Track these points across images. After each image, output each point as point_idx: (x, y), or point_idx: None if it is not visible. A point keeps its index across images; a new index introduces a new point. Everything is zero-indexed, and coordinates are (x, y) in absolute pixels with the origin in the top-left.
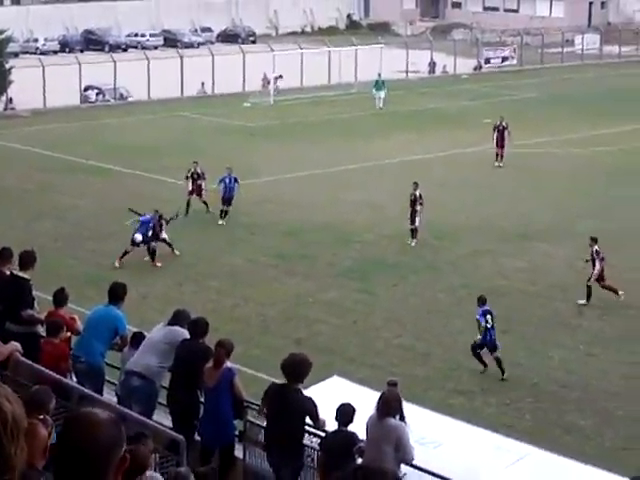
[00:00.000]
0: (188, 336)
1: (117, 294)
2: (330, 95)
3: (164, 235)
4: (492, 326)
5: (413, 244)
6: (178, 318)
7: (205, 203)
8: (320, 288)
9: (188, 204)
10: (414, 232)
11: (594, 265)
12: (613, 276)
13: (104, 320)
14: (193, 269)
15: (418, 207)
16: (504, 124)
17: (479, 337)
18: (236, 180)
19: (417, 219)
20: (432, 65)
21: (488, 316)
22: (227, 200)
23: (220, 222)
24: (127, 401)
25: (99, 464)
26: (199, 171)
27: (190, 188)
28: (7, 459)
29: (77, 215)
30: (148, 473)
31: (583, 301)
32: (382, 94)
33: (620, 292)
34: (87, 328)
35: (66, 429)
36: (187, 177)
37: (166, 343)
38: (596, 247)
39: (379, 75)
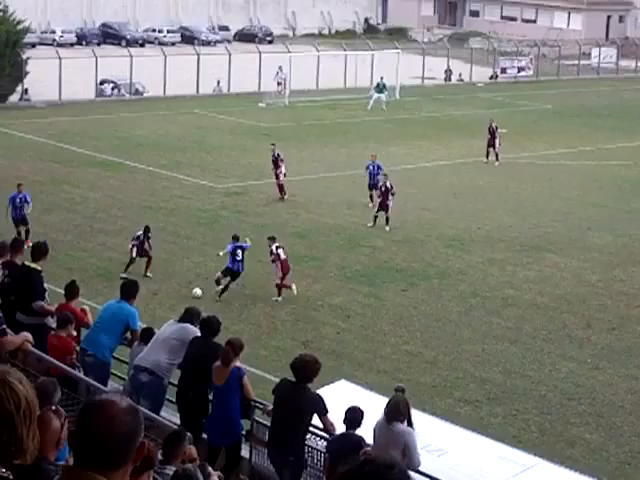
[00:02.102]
0: (199, 334)
1: (129, 291)
2: (345, 99)
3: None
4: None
5: (388, 229)
6: (189, 315)
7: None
8: (329, 291)
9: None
10: (387, 220)
11: None
12: (623, 290)
13: (115, 315)
14: (202, 268)
15: (390, 197)
16: (494, 125)
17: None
18: (379, 167)
19: (390, 207)
20: (448, 72)
21: (239, 250)
22: (371, 186)
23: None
24: (135, 396)
25: (118, 451)
26: (277, 153)
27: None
28: (20, 442)
29: (89, 208)
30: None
31: None
32: (383, 97)
33: None
34: (97, 322)
35: (85, 416)
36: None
37: (176, 339)
38: None
39: (381, 78)
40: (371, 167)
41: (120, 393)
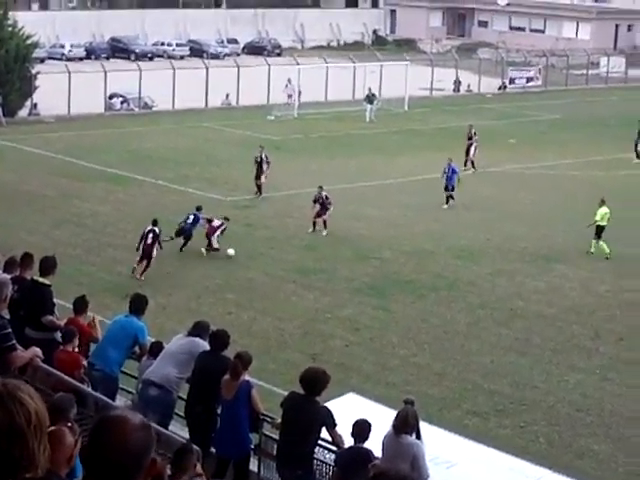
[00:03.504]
0: (208, 348)
1: (138, 306)
2: (354, 110)
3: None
4: None
5: (325, 233)
6: (198, 329)
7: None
8: (337, 303)
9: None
10: (325, 223)
11: None
12: (632, 301)
13: (124, 329)
14: (212, 281)
15: (329, 206)
16: (472, 132)
17: None
18: (454, 171)
19: (326, 214)
20: (457, 83)
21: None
22: (446, 188)
23: (444, 206)
24: (144, 410)
25: (130, 468)
26: (263, 155)
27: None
28: (31, 456)
29: (98, 222)
30: None
31: None
32: (373, 107)
33: None
34: (106, 337)
35: (98, 432)
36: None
37: (185, 354)
38: None
39: (369, 89)
40: (447, 169)
41: (130, 408)
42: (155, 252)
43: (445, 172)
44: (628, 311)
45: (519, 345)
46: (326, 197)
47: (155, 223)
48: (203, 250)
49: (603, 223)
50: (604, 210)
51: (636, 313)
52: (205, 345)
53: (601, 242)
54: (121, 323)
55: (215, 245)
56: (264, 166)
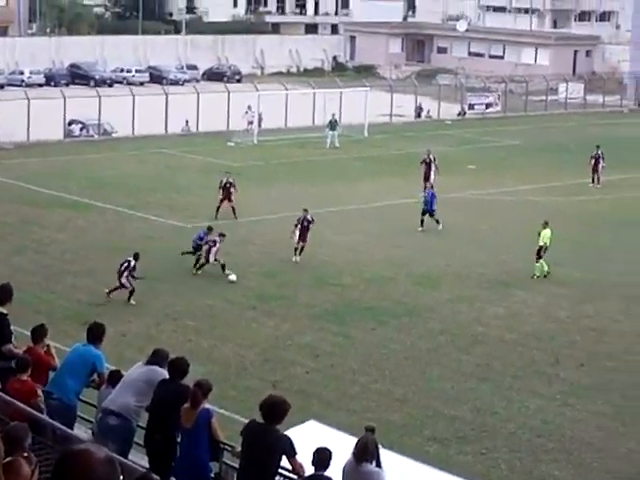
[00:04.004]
0: (167, 376)
1: (96, 334)
2: (314, 137)
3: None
4: None
5: (298, 260)
6: (157, 357)
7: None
8: (298, 330)
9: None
10: (302, 249)
11: None
12: (591, 326)
13: (82, 358)
14: (172, 308)
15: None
16: (431, 157)
17: None
18: (434, 195)
19: (307, 239)
20: (418, 109)
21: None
22: (424, 212)
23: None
24: (103, 440)
25: None
26: (231, 180)
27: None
28: None
29: (57, 250)
30: None
31: None
32: (335, 133)
33: None
34: (64, 365)
35: (62, 466)
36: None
37: (145, 382)
38: None
39: (333, 115)
40: (427, 194)
41: (91, 438)
42: (125, 280)
43: (425, 197)
44: (588, 337)
45: (480, 371)
46: (311, 219)
47: (135, 257)
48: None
49: (542, 243)
50: (547, 232)
51: (596, 339)
52: (164, 373)
53: (541, 261)
54: (79, 352)
55: (211, 261)
56: (232, 190)
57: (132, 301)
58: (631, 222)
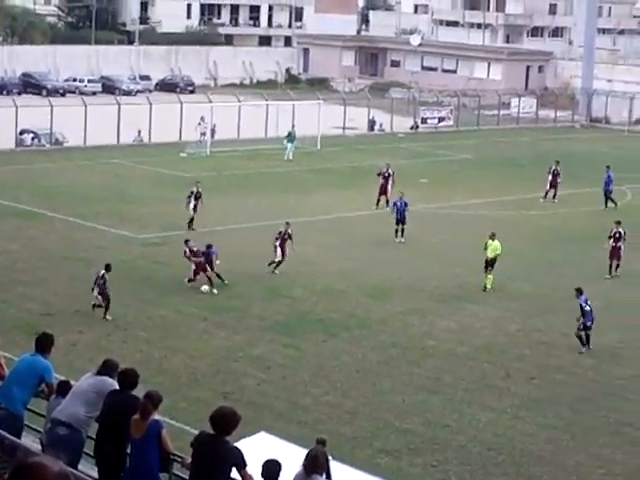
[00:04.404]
0: (117, 387)
1: (44, 344)
2: (267, 148)
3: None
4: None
5: (277, 272)
6: (107, 368)
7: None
8: (249, 342)
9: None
10: (278, 264)
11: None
12: (542, 340)
13: (30, 368)
14: (123, 319)
15: (289, 242)
16: (390, 171)
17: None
18: (406, 204)
19: (287, 252)
20: (372, 122)
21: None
22: (398, 221)
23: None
24: (52, 450)
25: None
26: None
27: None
28: None
29: (8, 259)
30: None
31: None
32: (292, 146)
33: None
34: (11, 375)
35: (15, 478)
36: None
37: (95, 392)
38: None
39: (292, 127)
40: (399, 204)
41: (40, 451)
42: (96, 294)
43: (396, 206)
44: (538, 350)
45: (431, 384)
46: (289, 234)
47: (107, 268)
48: (206, 287)
49: (492, 255)
50: (497, 244)
51: (546, 352)
52: (114, 384)
53: (490, 275)
54: (27, 362)
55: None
56: (199, 201)
57: (108, 316)
58: (582, 237)
